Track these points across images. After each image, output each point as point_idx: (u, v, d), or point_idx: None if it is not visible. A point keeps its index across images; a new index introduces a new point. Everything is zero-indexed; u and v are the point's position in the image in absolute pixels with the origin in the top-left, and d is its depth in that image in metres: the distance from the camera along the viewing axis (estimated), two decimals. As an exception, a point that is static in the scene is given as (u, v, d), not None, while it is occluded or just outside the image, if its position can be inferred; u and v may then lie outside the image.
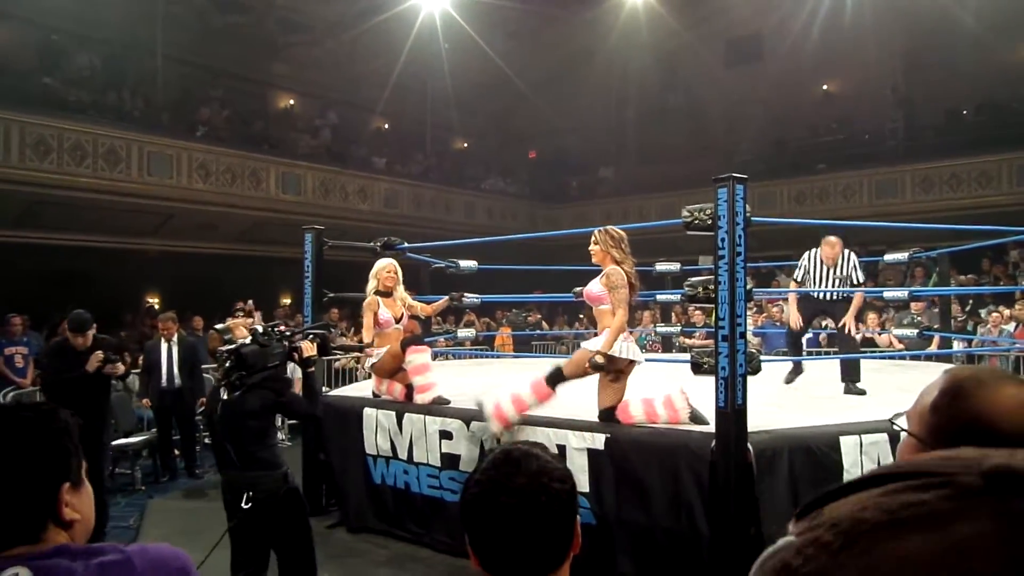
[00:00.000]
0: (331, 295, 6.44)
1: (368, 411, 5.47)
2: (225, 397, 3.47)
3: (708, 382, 4.06)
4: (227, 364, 3.46)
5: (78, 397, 5.19)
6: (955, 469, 0.49)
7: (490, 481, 1.12)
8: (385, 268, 5.55)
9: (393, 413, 5.33)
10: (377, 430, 5.40)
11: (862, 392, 5.58)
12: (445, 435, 5.00)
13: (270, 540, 3.54)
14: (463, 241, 7.25)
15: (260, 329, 3.63)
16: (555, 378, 4.40)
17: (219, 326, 3.82)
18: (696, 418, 4.18)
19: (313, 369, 3.77)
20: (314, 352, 3.74)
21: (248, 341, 3.55)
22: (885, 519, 0.47)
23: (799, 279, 6.04)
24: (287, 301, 14.29)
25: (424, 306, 6.05)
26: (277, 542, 3.56)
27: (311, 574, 3.62)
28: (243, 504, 3.40)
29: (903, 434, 1.04)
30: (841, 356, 5.87)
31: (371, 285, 5.54)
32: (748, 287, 4.06)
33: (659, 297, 8.37)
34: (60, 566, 1.05)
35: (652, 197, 17.60)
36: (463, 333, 7.97)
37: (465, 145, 21.69)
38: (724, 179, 4.04)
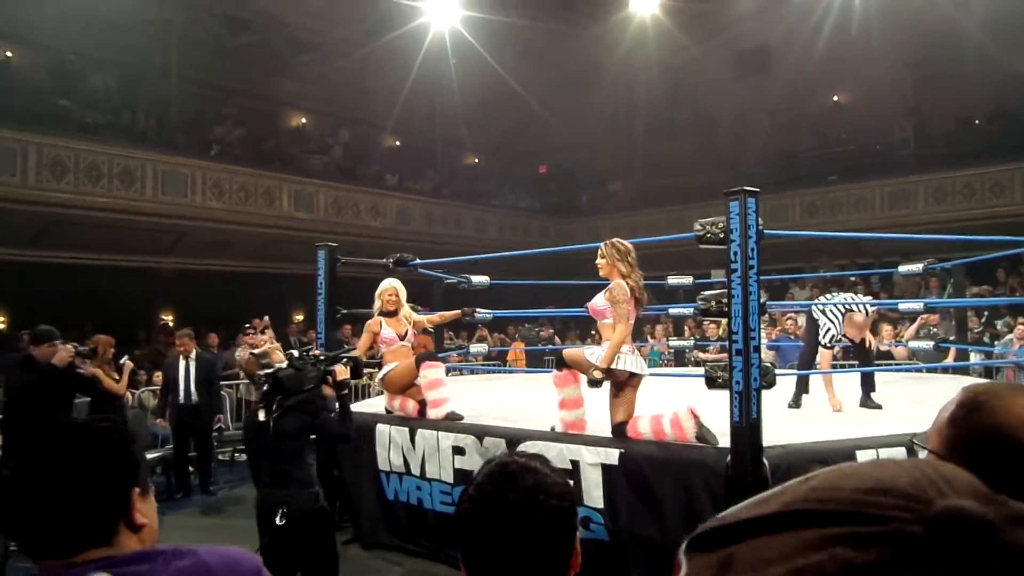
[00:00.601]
0: (344, 311, 6.46)
1: (381, 427, 5.47)
2: (262, 418, 3.65)
3: (722, 396, 4.04)
4: (265, 387, 3.67)
5: (41, 407, 5.22)
6: (898, 512, 0.39)
7: (483, 497, 1.08)
8: (387, 291, 5.59)
9: (406, 429, 5.33)
10: (390, 446, 5.40)
11: (878, 406, 5.52)
12: (458, 451, 4.99)
13: (298, 558, 3.63)
14: (475, 257, 7.26)
15: (296, 354, 3.83)
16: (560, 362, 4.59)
17: (256, 350, 4.04)
18: (702, 438, 4.13)
19: (347, 392, 3.94)
20: (347, 375, 3.91)
21: (284, 365, 3.75)
22: None
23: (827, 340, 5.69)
24: (300, 318, 14.35)
25: (430, 317, 6.08)
26: (305, 561, 3.65)
27: None
28: (277, 520, 3.54)
29: (922, 452, 1.03)
30: (860, 370, 5.82)
31: (376, 305, 5.62)
32: (762, 300, 4.05)
33: (672, 311, 8.34)
34: (141, 572, 1.08)
35: (662, 210, 17.59)
36: (475, 348, 7.98)
37: (476, 161, 21.79)
38: (736, 192, 4.04)
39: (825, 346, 5.65)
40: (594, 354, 4.39)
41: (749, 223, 3.98)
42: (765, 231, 4.15)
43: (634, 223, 17.78)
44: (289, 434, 3.64)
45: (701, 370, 4.39)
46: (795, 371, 6.38)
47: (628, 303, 4.27)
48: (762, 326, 4.42)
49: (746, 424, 3.87)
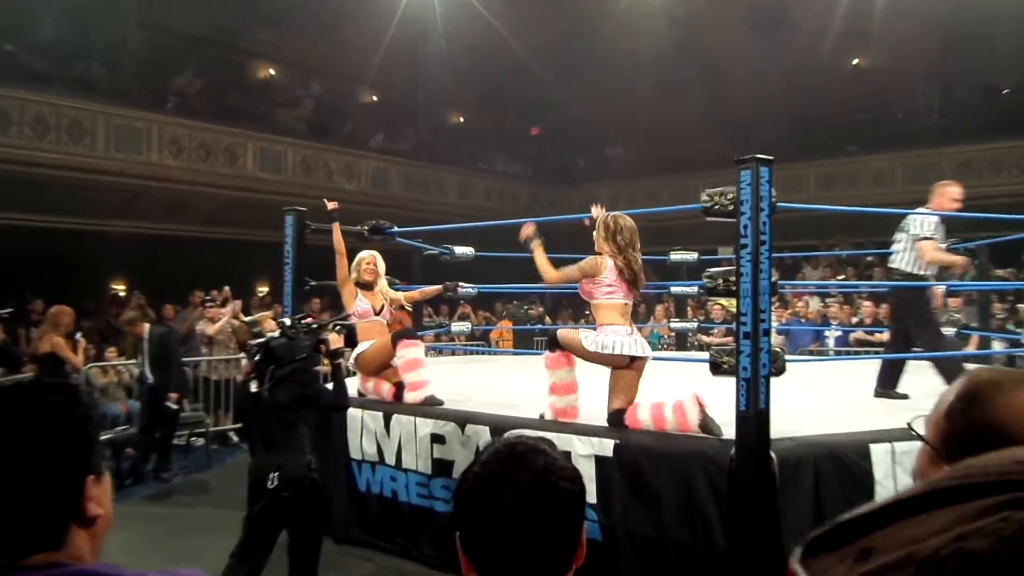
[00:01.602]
0: (313, 283, 6.42)
1: (352, 412, 5.43)
2: (254, 389, 3.85)
3: (728, 384, 4.03)
4: (256, 357, 3.86)
5: None
6: None
7: (490, 475, 1.09)
8: (365, 260, 5.66)
9: (380, 414, 5.31)
10: (362, 433, 5.38)
11: (903, 396, 5.55)
12: (437, 439, 4.97)
13: (288, 522, 3.85)
14: (459, 225, 7.21)
15: (288, 322, 4.01)
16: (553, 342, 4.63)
17: (247, 319, 4.35)
18: (706, 428, 4.14)
19: (341, 361, 4.15)
20: (341, 344, 4.13)
21: (276, 334, 3.93)
22: (1007, 550, 0.39)
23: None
24: (264, 289, 14.27)
25: (408, 294, 6.06)
26: (292, 533, 3.89)
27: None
28: (268, 484, 3.76)
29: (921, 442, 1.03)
30: (885, 356, 5.82)
31: (352, 277, 5.64)
32: (773, 279, 4.03)
33: (674, 290, 8.35)
34: None
35: (666, 179, 17.55)
36: (457, 327, 7.95)
37: (461, 120, 21.60)
38: (747, 160, 4.01)
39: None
40: (588, 337, 4.40)
41: (761, 194, 3.95)
42: (778, 204, 4.14)
43: (634, 192, 17.73)
44: (282, 404, 3.83)
45: (705, 355, 4.39)
46: (806, 358, 6.39)
47: (591, 269, 4.38)
48: (772, 308, 4.41)
49: (753, 414, 3.87)
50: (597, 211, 4.76)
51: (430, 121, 19.88)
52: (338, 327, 4.20)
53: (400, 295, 5.94)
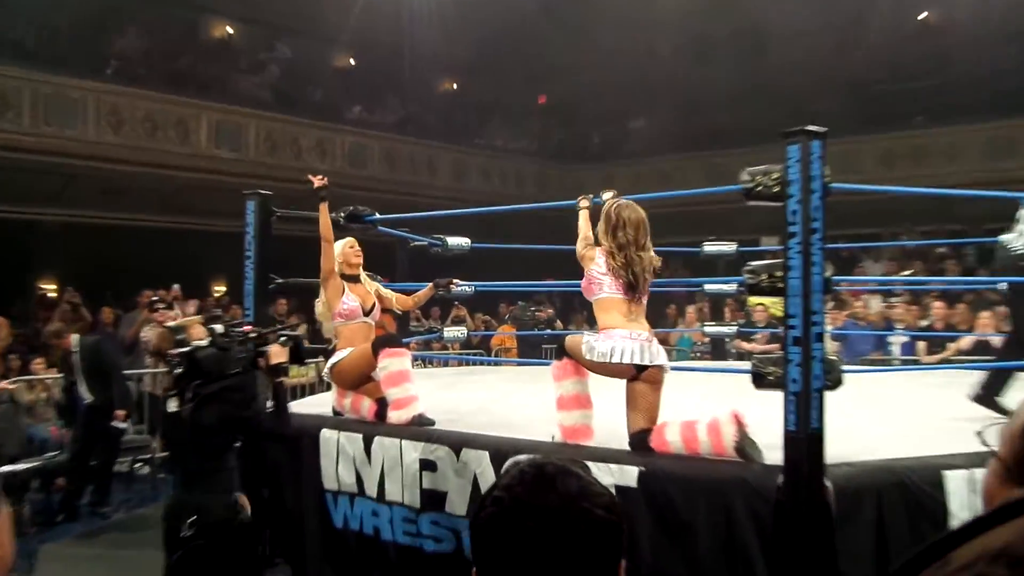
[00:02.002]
0: (279, 281, 6.41)
1: (327, 433, 5.44)
2: (173, 408, 3.80)
3: (773, 399, 4.01)
4: (179, 370, 3.81)
5: None
6: None
7: (514, 500, 1.11)
8: (349, 245, 5.67)
9: (359, 436, 5.30)
10: (339, 458, 5.37)
11: (1004, 412, 5.53)
12: (427, 466, 4.96)
13: None
14: (452, 212, 7.19)
15: (220, 329, 3.95)
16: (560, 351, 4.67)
17: (171, 323, 4.26)
18: (743, 452, 4.12)
19: (284, 380, 4.18)
20: (285, 358, 4.08)
21: (205, 343, 3.86)
22: None
23: None
24: (222, 289, 14.27)
25: (402, 297, 6.08)
26: None
27: None
28: (182, 532, 3.68)
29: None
30: (994, 365, 5.79)
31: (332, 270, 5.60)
32: (827, 274, 4.01)
33: (708, 287, 8.34)
34: None
35: (698, 156, 17.55)
36: (451, 333, 7.94)
37: (454, 87, 21.61)
38: (796, 133, 4.00)
39: None
40: (588, 342, 4.45)
41: (812, 173, 3.95)
42: (832, 184, 4.12)
43: (661, 172, 17.74)
44: (207, 428, 3.75)
45: (746, 365, 4.37)
46: (867, 368, 6.36)
47: (588, 266, 4.50)
48: (826, 309, 4.42)
49: (804, 434, 3.85)
50: (609, 197, 4.76)
51: (417, 89, 19.85)
52: (283, 338, 4.13)
53: (393, 296, 5.93)
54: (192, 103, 14.24)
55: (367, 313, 5.58)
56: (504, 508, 1.10)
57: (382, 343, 5.42)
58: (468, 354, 10.95)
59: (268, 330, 4.24)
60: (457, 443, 4.89)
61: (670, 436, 4.32)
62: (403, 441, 5.09)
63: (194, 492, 3.75)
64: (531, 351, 11.73)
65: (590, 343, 4.43)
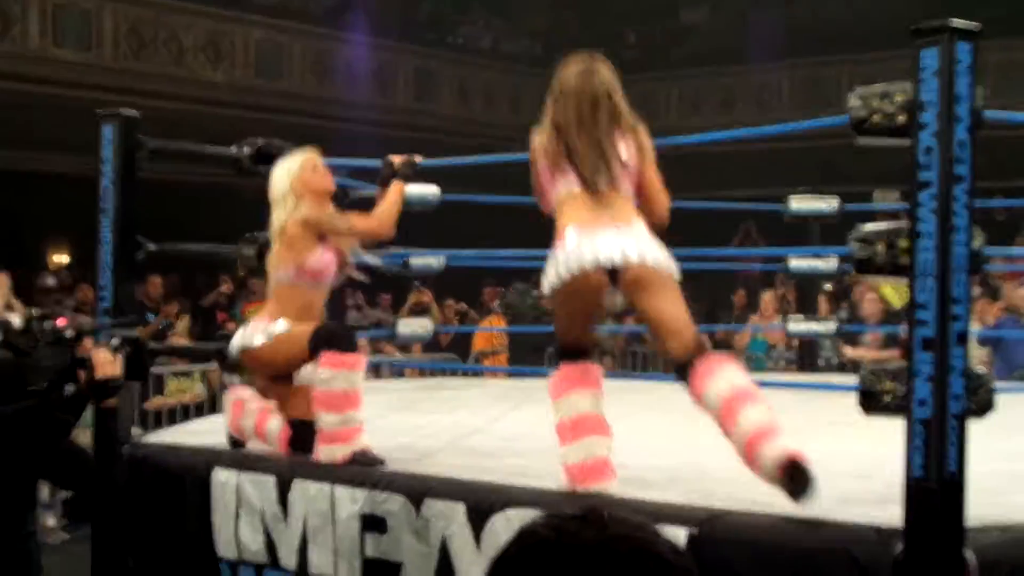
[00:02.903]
0: (152, 247, 6.40)
1: (222, 475, 5.46)
2: None
3: (890, 429, 4.05)
4: None
5: None
6: None
7: (556, 528, 1.17)
8: (309, 163, 5.59)
9: (271, 480, 5.31)
10: (239, 512, 5.39)
11: None
12: (372, 524, 4.99)
13: None
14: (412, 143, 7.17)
15: (17, 322, 3.82)
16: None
17: None
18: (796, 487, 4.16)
19: (114, 402, 4.09)
20: (117, 370, 3.89)
21: None
22: None
23: None
24: (63, 259, 14.25)
25: (358, 218, 5.87)
26: None
27: None
28: None
29: None
30: None
31: (290, 204, 5.48)
32: (975, 246, 4.02)
33: (794, 264, 8.35)
34: None
35: (782, 68, 17.49)
36: (409, 328, 7.90)
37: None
38: (933, 32, 3.98)
39: None
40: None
41: (957, 93, 3.93)
42: (986, 113, 4.11)
43: (728, 88, 17.76)
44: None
45: (851, 379, 4.40)
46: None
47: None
48: (973, 298, 4.43)
49: (936, 482, 3.86)
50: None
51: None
52: (116, 336, 4.07)
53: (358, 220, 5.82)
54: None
55: (340, 269, 5.68)
56: (541, 541, 1.16)
57: (326, 339, 5.37)
58: (435, 359, 10.97)
59: (93, 324, 4.22)
60: (417, 491, 4.89)
61: (716, 385, 4.37)
62: (336, 487, 5.09)
63: None
64: (527, 354, 11.67)
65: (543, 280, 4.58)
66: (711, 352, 4.55)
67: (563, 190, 4.62)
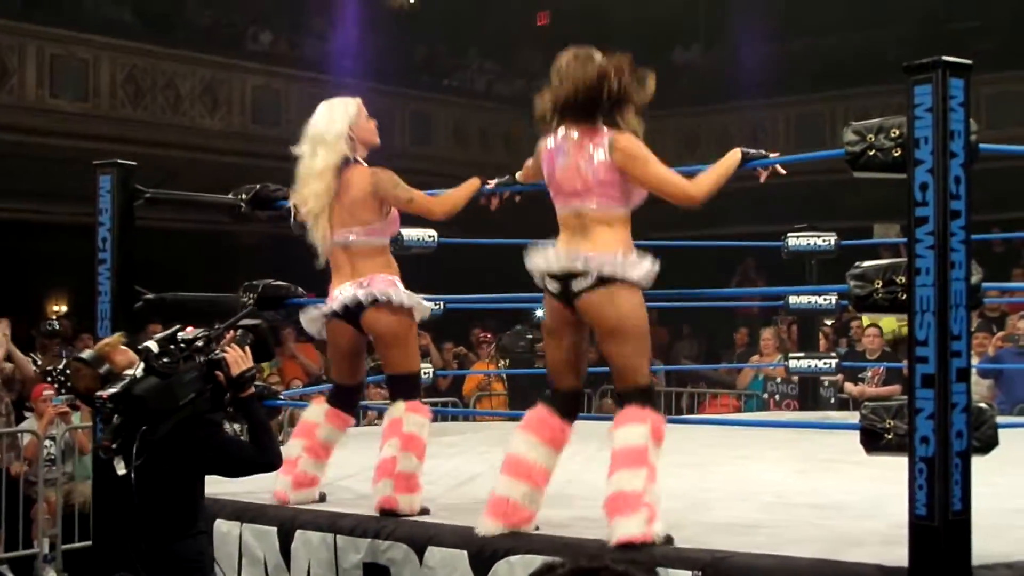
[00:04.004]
0: (149, 296, 6.40)
1: (224, 526, 5.48)
2: (123, 472, 3.79)
3: (894, 467, 4.03)
4: (115, 420, 3.79)
5: None
6: None
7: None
8: (361, 110, 5.51)
9: (273, 530, 5.34)
10: (242, 563, 5.43)
11: None
12: (375, 573, 5.00)
13: None
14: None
15: (154, 347, 3.93)
16: None
17: (86, 354, 4.22)
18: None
19: (253, 391, 4.18)
20: (249, 362, 4.10)
21: (139, 372, 3.85)
22: None
23: None
24: (60, 308, 14.23)
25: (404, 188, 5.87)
26: None
27: None
28: None
29: None
30: None
31: (343, 148, 5.37)
32: (974, 280, 4.03)
33: (793, 301, 8.35)
34: None
35: (778, 103, 17.52)
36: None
37: (412, 2, 21.63)
38: (926, 67, 4.00)
39: None
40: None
41: (952, 127, 3.95)
42: (981, 146, 4.12)
43: (725, 125, 17.72)
44: (173, 486, 3.90)
45: (852, 416, 4.39)
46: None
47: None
48: (974, 331, 4.42)
49: (941, 522, 3.85)
50: None
51: (357, 7, 19.83)
52: (240, 330, 4.19)
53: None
54: (16, 28, 14.18)
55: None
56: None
57: (416, 386, 5.55)
58: (436, 404, 10.94)
59: (218, 328, 4.25)
60: (420, 539, 4.90)
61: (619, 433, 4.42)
62: (338, 537, 5.10)
63: None
64: (527, 398, 11.56)
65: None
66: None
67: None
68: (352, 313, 5.33)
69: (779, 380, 10.97)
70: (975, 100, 4.09)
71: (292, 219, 5.62)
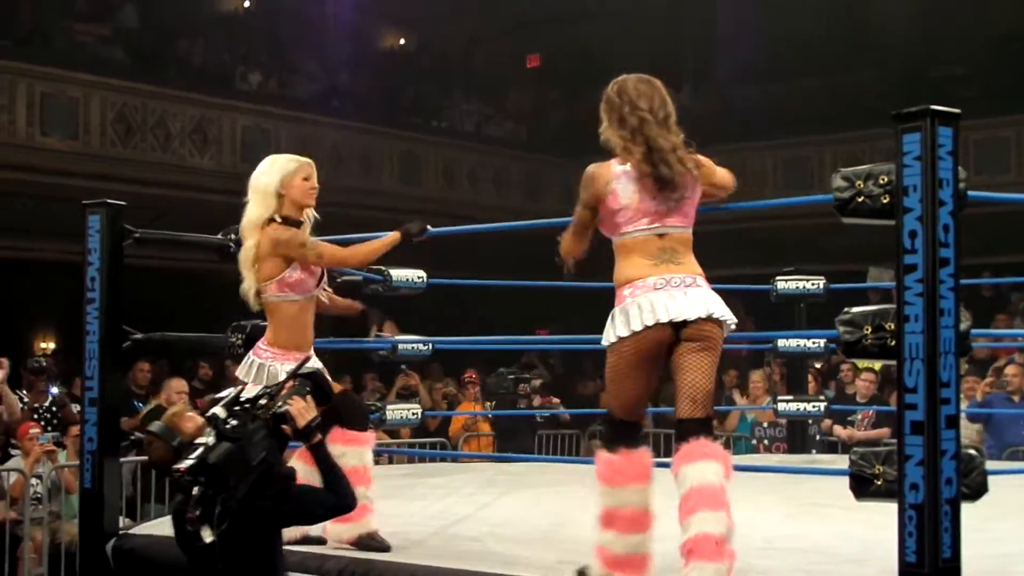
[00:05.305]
0: (137, 336, 6.40)
1: None
2: (209, 540, 3.83)
3: (883, 513, 4.02)
4: (196, 491, 3.85)
5: None
6: None
7: None
8: (301, 170, 5.49)
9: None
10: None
11: None
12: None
13: None
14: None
15: (222, 413, 3.99)
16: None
17: (156, 427, 4.25)
18: None
19: (321, 438, 4.20)
20: (313, 411, 4.14)
21: (212, 439, 3.91)
22: None
23: None
24: (48, 346, 14.18)
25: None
26: None
27: None
28: None
29: None
30: None
31: (271, 205, 5.40)
32: (963, 326, 4.04)
33: (782, 344, 8.36)
34: None
35: (765, 147, 17.58)
36: (398, 413, 7.87)
37: (402, 43, 21.68)
38: (915, 116, 4.01)
39: None
40: (608, 330, 4.40)
41: (941, 175, 3.97)
42: (969, 193, 4.13)
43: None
44: (255, 547, 3.97)
45: (842, 461, 4.38)
46: None
47: (605, 197, 4.42)
48: (963, 376, 4.42)
49: (931, 569, 3.84)
50: None
51: (347, 47, 19.90)
52: (299, 381, 4.21)
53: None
54: (8, 67, 14.19)
55: (317, 284, 5.50)
56: None
57: (348, 417, 5.41)
58: (423, 445, 10.89)
59: (276, 384, 4.33)
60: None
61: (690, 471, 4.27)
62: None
63: None
64: (515, 439, 11.54)
65: (609, 329, 4.37)
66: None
67: (632, 228, 4.48)
68: None
69: (766, 424, 10.99)
70: (964, 145, 4.08)
71: None
